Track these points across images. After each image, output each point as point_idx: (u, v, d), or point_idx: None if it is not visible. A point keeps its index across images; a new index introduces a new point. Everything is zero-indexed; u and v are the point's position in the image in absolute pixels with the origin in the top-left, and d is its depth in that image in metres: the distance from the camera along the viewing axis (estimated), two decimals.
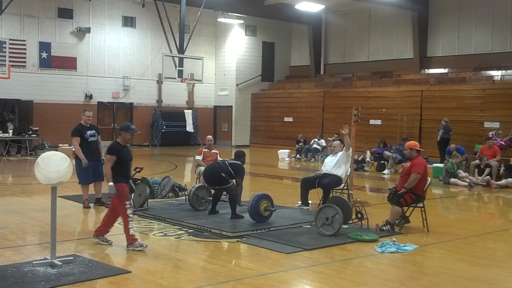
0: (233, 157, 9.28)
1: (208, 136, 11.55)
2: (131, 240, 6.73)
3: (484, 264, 6.59)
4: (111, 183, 6.64)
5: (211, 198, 9.09)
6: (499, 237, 8.44)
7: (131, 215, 6.81)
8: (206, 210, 9.25)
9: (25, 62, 22.91)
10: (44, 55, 23.45)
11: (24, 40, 22.90)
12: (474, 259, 6.81)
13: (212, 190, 9.25)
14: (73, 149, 9.79)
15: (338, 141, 10.65)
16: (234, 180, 8.66)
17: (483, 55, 21.82)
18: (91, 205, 9.66)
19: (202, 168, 10.16)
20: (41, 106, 23.25)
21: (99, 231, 7.02)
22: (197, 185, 9.80)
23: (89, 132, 9.60)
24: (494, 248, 7.82)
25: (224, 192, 9.07)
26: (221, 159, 9.15)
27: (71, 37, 24.27)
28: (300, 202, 9.92)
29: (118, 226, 8.28)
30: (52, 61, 23.60)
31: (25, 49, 22.87)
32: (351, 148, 9.55)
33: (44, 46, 23.43)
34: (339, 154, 9.76)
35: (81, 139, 9.51)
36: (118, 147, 6.90)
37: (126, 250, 6.65)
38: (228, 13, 25.86)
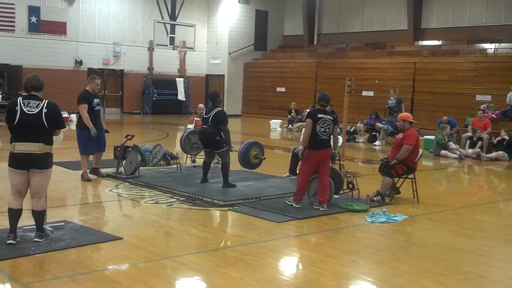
0: (208, 104, 8.92)
1: (200, 105, 11.40)
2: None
3: (472, 236, 6.67)
4: None
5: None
6: (487, 209, 8.53)
7: None
8: (195, 156, 10.09)
9: (14, 26, 22.47)
10: (33, 19, 22.98)
11: (13, 4, 22.41)
12: (462, 230, 6.89)
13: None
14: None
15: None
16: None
17: (477, 28, 21.69)
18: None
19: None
20: (31, 71, 22.04)
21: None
22: (191, 129, 10.04)
23: (96, 101, 9.15)
24: (483, 219, 7.91)
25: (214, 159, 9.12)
26: (202, 129, 8.72)
27: (60, 1, 23.76)
28: (288, 173, 9.97)
29: (109, 194, 8.29)
30: (41, 25, 23.15)
31: (14, 13, 22.40)
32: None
33: (33, 10, 22.94)
34: None
35: (88, 107, 9.02)
36: None
37: (118, 216, 6.61)
38: None
